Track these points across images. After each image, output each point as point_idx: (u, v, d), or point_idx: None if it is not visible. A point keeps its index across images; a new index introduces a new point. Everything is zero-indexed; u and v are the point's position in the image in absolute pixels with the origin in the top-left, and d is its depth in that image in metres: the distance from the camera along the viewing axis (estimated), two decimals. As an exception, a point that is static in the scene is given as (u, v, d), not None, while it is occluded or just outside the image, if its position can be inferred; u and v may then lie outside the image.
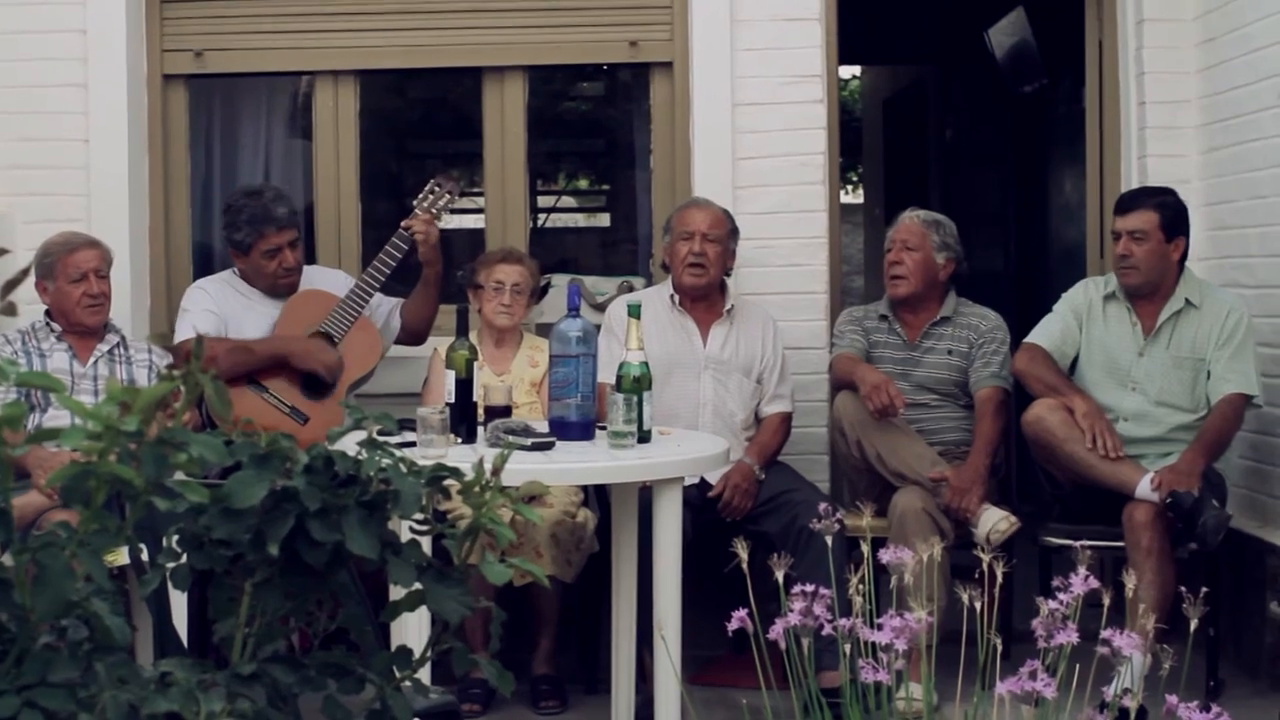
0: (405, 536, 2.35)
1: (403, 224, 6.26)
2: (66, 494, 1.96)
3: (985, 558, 3.10)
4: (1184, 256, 6.04)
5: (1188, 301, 5.98)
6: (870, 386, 5.90)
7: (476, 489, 2.35)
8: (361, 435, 2.37)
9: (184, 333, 6.14)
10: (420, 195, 6.32)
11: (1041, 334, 6.14)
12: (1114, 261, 6.09)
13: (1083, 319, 6.12)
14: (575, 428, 5.21)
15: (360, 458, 2.28)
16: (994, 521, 5.74)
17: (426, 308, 6.45)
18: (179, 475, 2.04)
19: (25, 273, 2.14)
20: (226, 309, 6.26)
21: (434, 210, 6.28)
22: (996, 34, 10.12)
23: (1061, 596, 2.86)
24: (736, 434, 6.14)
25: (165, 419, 2.00)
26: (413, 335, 6.49)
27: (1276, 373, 6.11)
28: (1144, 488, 5.61)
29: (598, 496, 6.04)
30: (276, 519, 2.19)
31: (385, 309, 6.45)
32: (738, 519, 5.91)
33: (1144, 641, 2.86)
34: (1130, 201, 6.13)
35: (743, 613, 3.03)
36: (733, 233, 6.33)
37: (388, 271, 6.23)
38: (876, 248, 6.44)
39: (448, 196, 6.32)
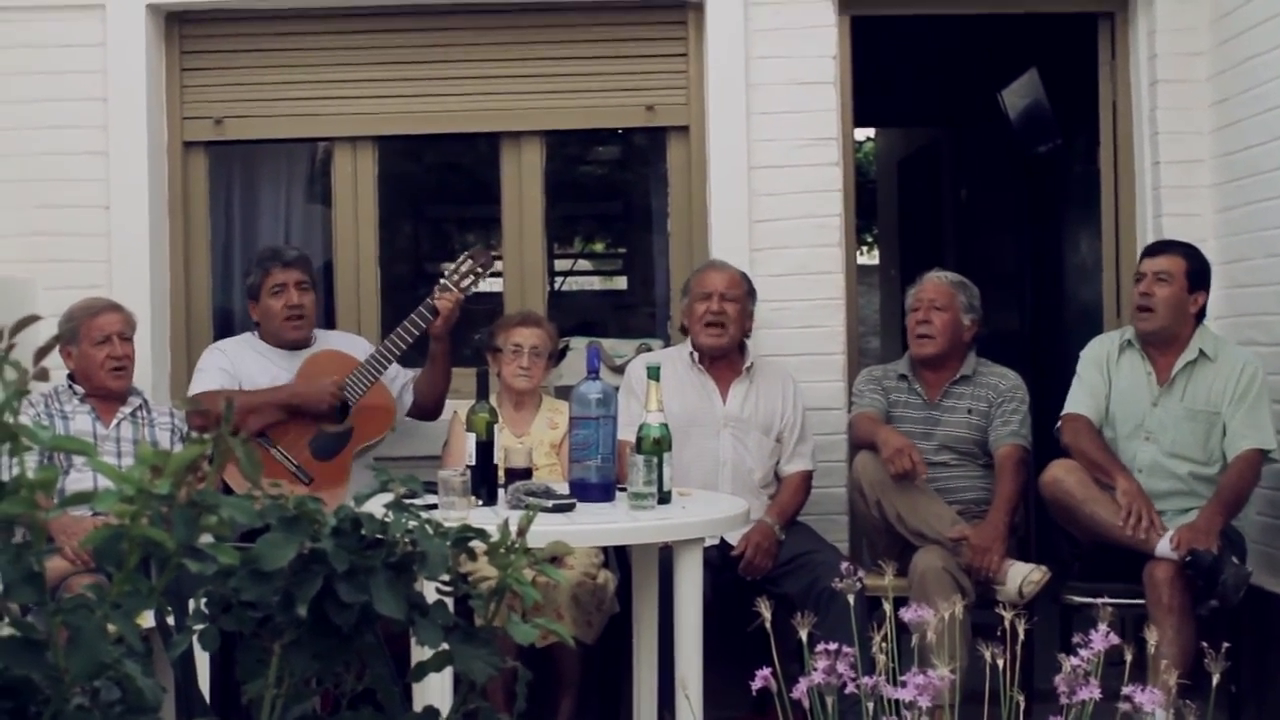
0: (431, 598, 2.37)
1: (430, 297, 6.27)
2: (100, 556, 1.97)
3: (1007, 615, 3.11)
4: (1202, 313, 6.06)
5: (1202, 353, 5.98)
6: (893, 450, 5.90)
7: (502, 550, 2.37)
8: (388, 497, 2.39)
9: (195, 392, 6.17)
10: (452, 267, 6.33)
11: (1081, 402, 6.12)
12: (1133, 305, 6.10)
13: (1105, 371, 6.12)
14: (595, 489, 5.22)
15: (387, 520, 2.30)
16: (1025, 573, 5.73)
17: (437, 383, 6.45)
18: (206, 538, 2.06)
19: (57, 339, 2.16)
20: (241, 369, 6.29)
21: (463, 285, 6.28)
22: (1010, 95, 10.15)
23: (1083, 653, 2.86)
24: (756, 492, 6.15)
25: (196, 482, 2.02)
26: (423, 411, 6.51)
27: (1294, 429, 6.11)
28: (1163, 546, 5.61)
29: (618, 558, 6.05)
30: (305, 580, 2.20)
31: (401, 380, 6.47)
32: (758, 579, 5.91)
33: (1166, 698, 2.86)
34: (1160, 246, 6.20)
35: (766, 671, 3.04)
36: (750, 294, 6.36)
37: (410, 340, 6.23)
38: (892, 308, 6.46)
39: (480, 270, 6.32)
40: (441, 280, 6.31)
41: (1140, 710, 2.75)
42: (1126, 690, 2.78)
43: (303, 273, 6.41)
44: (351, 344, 6.52)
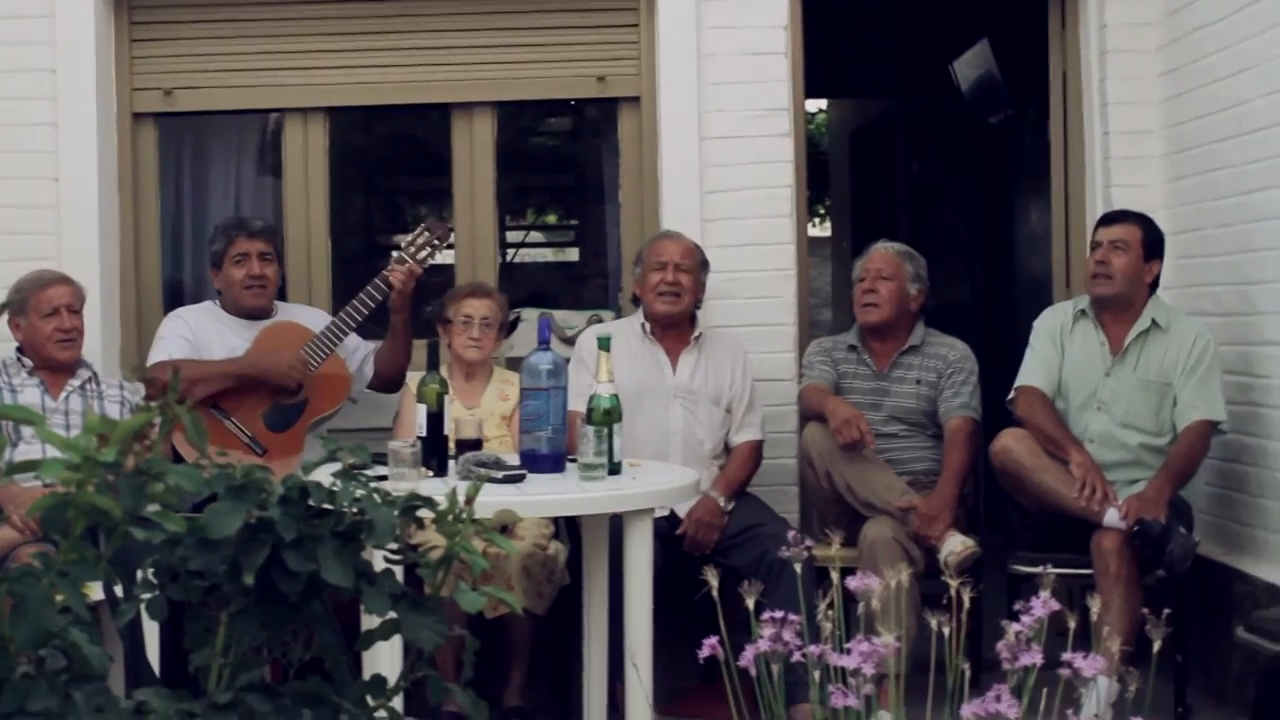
0: (379, 566, 2.37)
1: (386, 269, 6.25)
2: (46, 524, 1.97)
3: (952, 584, 3.12)
4: (1155, 283, 6.09)
5: (1154, 323, 6.01)
6: (841, 420, 5.92)
7: (450, 519, 2.37)
8: (336, 466, 2.39)
9: (156, 358, 6.16)
10: (409, 239, 6.31)
11: (1034, 374, 6.14)
12: (1088, 272, 6.13)
13: (1058, 341, 6.15)
14: (546, 460, 5.22)
15: (335, 488, 2.30)
16: (951, 545, 5.77)
17: (398, 355, 6.43)
18: (154, 507, 2.06)
19: (3, 308, 2.16)
20: (201, 336, 6.28)
21: (419, 257, 6.26)
22: (962, 66, 10.18)
23: (1025, 619, 2.88)
24: (706, 463, 6.17)
25: (143, 450, 2.02)
26: (385, 383, 6.49)
27: (1242, 400, 6.14)
28: (1111, 516, 5.64)
29: (569, 529, 6.06)
30: (252, 549, 2.20)
31: (361, 352, 6.47)
32: (705, 553, 5.91)
33: (1109, 665, 2.88)
34: (1116, 215, 6.23)
35: (714, 639, 3.05)
36: (703, 265, 6.37)
37: (365, 313, 6.23)
38: (844, 280, 6.47)
39: (437, 241, 6.30)
40: (397, 253, 6.30)
41: (1082, 676, 2.77)
42: (1067, 656, 2.79)
43: (266, 243, 6.41)
44: (311, 317, 6.50)
